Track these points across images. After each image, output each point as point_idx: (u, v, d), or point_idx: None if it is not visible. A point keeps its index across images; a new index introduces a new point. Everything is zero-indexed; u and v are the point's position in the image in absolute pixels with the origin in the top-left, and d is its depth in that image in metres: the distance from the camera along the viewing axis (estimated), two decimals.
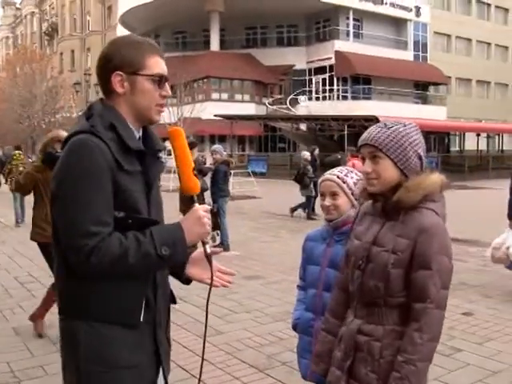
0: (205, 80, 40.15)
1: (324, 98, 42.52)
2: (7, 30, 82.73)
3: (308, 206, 13.76)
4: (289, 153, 36.04)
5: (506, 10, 54.68)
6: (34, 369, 4.24)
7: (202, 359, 1.89)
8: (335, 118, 32.93)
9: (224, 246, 9.25)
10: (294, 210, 13.92)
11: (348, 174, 2.54)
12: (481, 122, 46.12)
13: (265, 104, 41.35)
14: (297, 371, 2.76)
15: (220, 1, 41.36)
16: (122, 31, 45.79)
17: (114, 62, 1.78)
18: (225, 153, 10.43)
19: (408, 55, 45.66)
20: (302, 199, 13.82)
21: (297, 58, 42.74)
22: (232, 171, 12.77)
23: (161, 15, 43.07)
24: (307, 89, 43.18)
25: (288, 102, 40.49)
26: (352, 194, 2.49)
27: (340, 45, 41.37)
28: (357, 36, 43.59)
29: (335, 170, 2.58)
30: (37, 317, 5.07)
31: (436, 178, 1.95)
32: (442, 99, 46.27)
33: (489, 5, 53.17)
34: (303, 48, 43.84)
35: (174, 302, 2.01)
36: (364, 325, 1.97)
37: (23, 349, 4.70)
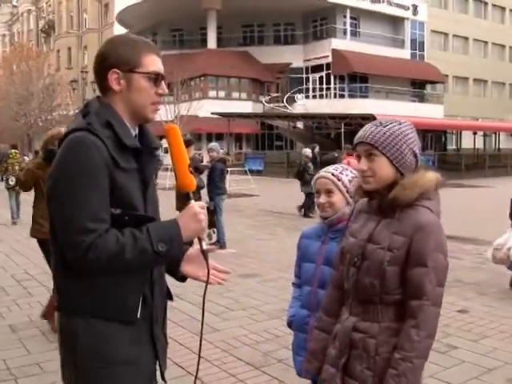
0: (202, 78, 40.16)
1: (321, 96, 42.59)
2: (4, 28, 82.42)
3: (308, 203, 13.72)
4: (286, 151, 36.05)
5: (503, 8, 54.81)
6: (30, 366, 4.25)
7: (199, 357, 1.90)
8: (332, 117, 32.98)
9: (220, 243, 9.26)
10: (301, 208, 13.89)
11: (343, 172, 2.55)
12: (478, 120, 46.26)
13: (262, 102, 41.38)
14: (292, 368, 2.76)
15: None
16: (118, 29, 45.78)
17: (111, 60, 1.79)
18: (222, 151, 10.43)
19: (405, 53, 45.73)
20: (302, 196, 13.80)
21: (294, 56, 42.77)
22: (229, 169, 12.78)
23: (158, 13, 43.03)
24: (304, 87, 43.23)
25: (285, 100, 40.54)
26: (347, 191, 2.50)
27: (337, 43, 41.44)
28: (354, 34, 43.65)
29: (330, 168, 2.59)
30: (49, 315, 5.04)
31: (432, 175, 1.96)
32: (438, 97, 46.35)
33: (486, 3, 53.29)
34: (300, 46, 43.88)
35: (171, 299, 2.02)
36: (359, 322, 1.97)
37: (19, 346, 4.71)
